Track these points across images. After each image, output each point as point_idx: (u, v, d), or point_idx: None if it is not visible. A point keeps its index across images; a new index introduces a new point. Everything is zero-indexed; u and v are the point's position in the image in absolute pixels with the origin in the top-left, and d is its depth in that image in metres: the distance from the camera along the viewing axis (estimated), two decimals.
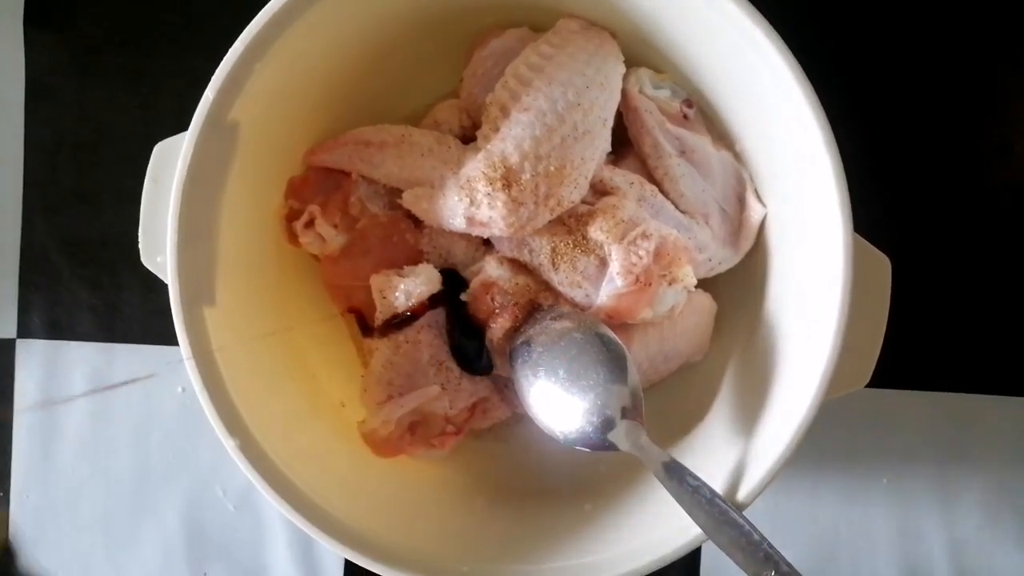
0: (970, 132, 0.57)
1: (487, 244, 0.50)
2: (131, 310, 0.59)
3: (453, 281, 0.50)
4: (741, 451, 0.44)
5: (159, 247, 0.45)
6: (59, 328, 0.59)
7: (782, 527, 0.57)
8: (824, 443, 0.57)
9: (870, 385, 0.44)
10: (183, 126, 0.44)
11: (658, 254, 0.47)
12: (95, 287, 0.59)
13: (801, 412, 0.41)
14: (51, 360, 0.59)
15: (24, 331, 0.59)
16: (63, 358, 0.59)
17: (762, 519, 0.56)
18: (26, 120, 0.59)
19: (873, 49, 0.57)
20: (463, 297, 0.49)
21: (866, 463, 0.57)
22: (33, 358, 0.59)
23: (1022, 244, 0.57)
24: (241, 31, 0.43)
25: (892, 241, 0.45)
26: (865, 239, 0.44)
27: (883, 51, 0.57)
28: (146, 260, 0.46)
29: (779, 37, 0.41)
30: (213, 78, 0.43)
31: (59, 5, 0.58)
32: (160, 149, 0.46)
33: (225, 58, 0.43)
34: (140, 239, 0.46)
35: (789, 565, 0.39)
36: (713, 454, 0.46)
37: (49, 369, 0.59)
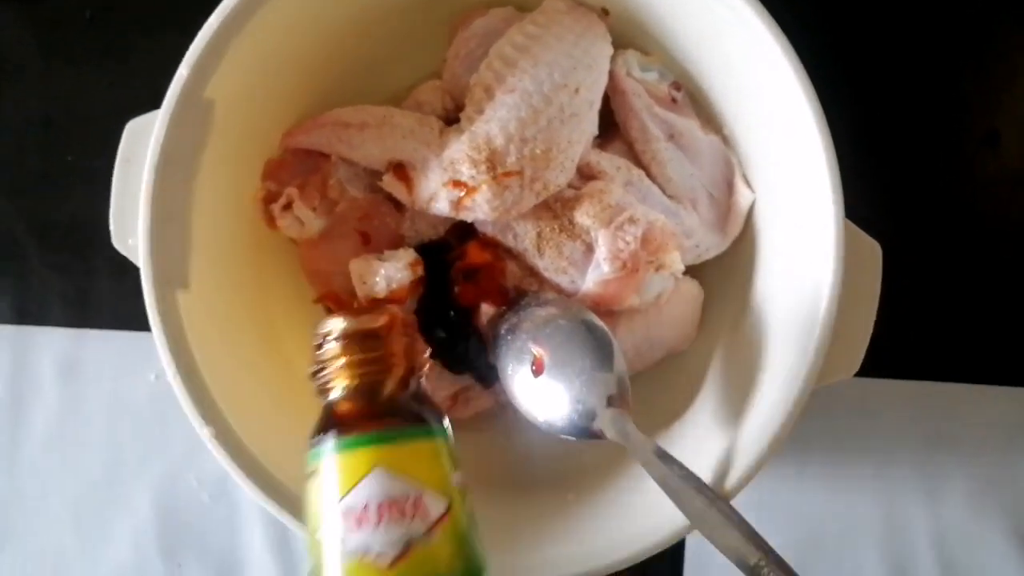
0: (960, 120, 0.56)
1: (471, 228, 0.49)
2: (102, 295, 0.58)
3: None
4: (728, 440, 0.43)
5: (131, 229, 0.43)
6: (28, 314, 0.58)
7: (767, 516, 0.57)
8: (810, 432, 0.56)
9: (856, 374, 0.44)
10: (156, 105, 0.42)
11: (645, 240, 0.46)
12: (64, 272, 0.58)
13: (789, 402, 0.41)
14: (20, 346, 0.58)
15: None
16: (32, 344, 0.58)
17: (747, 508, 0.55)
18: None
19: (864, 34, 0.56)
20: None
21: (851, 452, 0.57)
22: (1, 344, 0.58)
23: (1011, 233, 0.57)
24: (216, 6, 0.42)
25: (880, 228, 0.45)
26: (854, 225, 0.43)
27: (874, 36, 0.56)
28: (117, 243, 0.45)
29: (771, 18, 0.40)
30: (188, 54, 0.42)
31: None
32: (132, 128, 0.44)
33: (200, 33, 0.42)
34: (111, 221, 0.44)
35: (775, 553, 0.39)
36: (700, 443, 0.45)
37: (18, 355, 0.58)
